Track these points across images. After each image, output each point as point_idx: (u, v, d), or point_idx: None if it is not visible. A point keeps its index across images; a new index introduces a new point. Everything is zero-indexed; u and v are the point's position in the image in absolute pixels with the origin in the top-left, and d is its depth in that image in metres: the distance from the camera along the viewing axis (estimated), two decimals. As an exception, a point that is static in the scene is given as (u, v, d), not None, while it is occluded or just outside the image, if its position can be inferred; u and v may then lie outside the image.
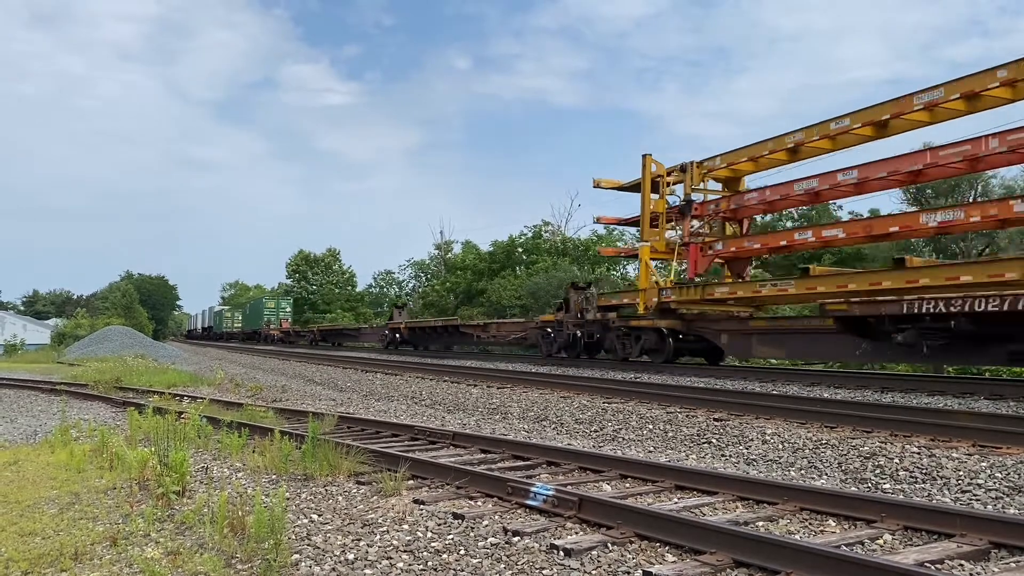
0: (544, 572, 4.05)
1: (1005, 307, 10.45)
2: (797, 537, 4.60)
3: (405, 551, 4.43)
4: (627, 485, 6.18)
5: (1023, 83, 11.81)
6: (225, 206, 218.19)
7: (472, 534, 4.72)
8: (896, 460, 6.69)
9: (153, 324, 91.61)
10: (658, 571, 3.92)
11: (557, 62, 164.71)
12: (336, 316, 60.42)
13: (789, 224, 40.26)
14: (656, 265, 17.65)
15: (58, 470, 7.54)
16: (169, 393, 15.17)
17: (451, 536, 4.69)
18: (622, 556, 4.26)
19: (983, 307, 10.70)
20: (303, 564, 4.25)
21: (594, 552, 4.30)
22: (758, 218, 21.44)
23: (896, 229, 13.52)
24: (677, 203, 17.33)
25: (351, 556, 4.36)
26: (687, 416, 9.44)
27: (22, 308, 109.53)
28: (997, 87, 11.97)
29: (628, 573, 4.01)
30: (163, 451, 6.47)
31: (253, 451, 7.54)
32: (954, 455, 6.63)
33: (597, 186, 19.04)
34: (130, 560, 4.55)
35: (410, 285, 67.44)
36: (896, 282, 12.29)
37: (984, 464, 6.28)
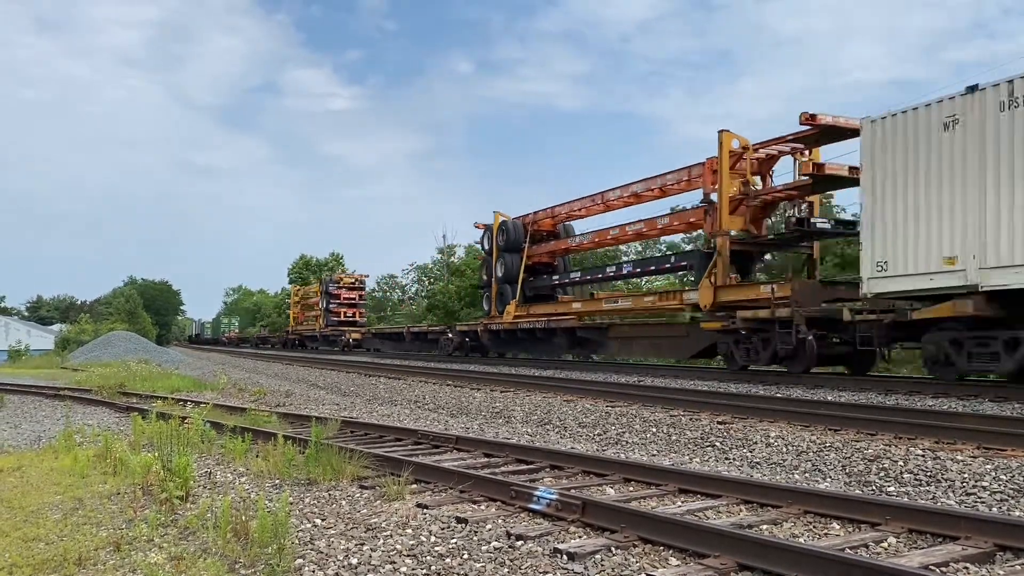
0: (547, 576, 4.04)
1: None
2: (801, 540, 4.59)
3: (408, 555, 4.43)
4: (630, 489, 6.16)
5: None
6: (228, 211, 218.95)
7: (475, 538, 4.72)
8: (900, 463, 6.67)
9: (157, 329, 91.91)
10: (661, 575, 3.91)
11: (560, 66, 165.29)
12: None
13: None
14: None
15: (62, 475, 7.55)
16: (172, 398, 15.20)
17: (454, 540, 4.68)
18: (626, 560, 4.26)
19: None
20: (306, 569, 4.25)
21: (597, 556, 4.29)
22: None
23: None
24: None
25: (354, 561, 4.36)
26: (691, 419, 9.43)
27: (26, 314, 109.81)
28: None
29: (632, 577, 4.00)
30: (167, 456, 6.48)
31: (256, 456, 7.54)
32: (959, 458, 6.61)
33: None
34: (134, 565, 4.55)
35: (412, 289, 68.19)
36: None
37: (989, 466, 6.26)
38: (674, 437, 8.76)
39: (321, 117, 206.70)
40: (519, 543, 4.58)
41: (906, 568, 3.58)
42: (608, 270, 24.56)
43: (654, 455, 8.13)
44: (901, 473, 6.46)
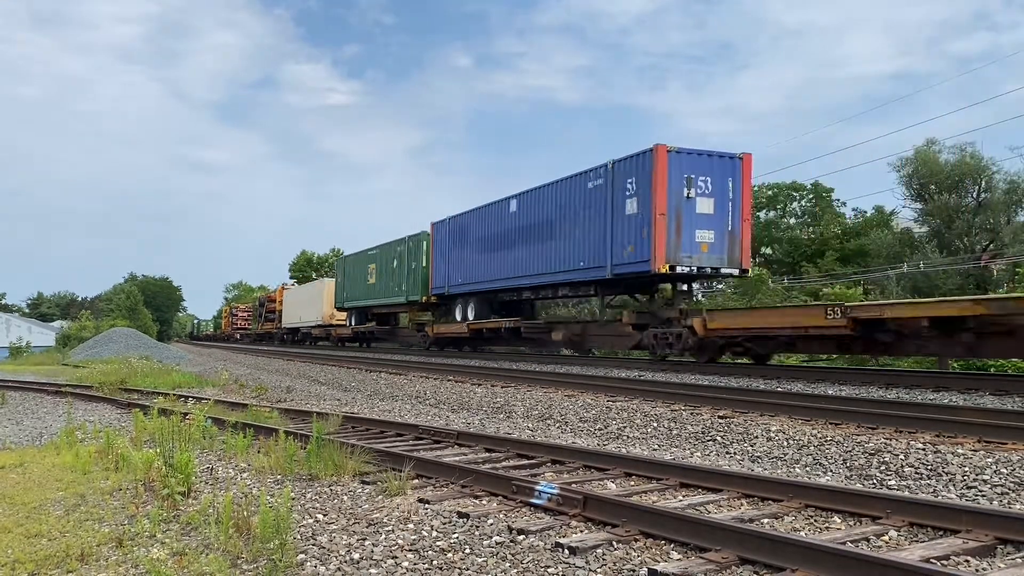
0: (549, 571, 4.05)
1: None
2: (802, 534, 4.59)
3: (410, 550, 4.44)
4: (632, 483, 6.17)
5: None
6: (228, 207, 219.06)
7: (477, 533, 4.73)
8: (901, 456, 6.68)
9: (158, 326, 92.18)
10: (663, 569, 3.92)
11: (560, 60, 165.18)
12: None
13: (793, 220, 42.38)
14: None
15: (64, 472, 7.57)
16: (174, 394, 15.20)
17: (456, 535, 4.69)
18: (627, 554, 4.26)
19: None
20: (308, 564, 4.26)
21: (599, 550, 4.30)
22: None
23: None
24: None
25: (356, 555, 4.37)
26: (692, 414, 9.43)
27: (27, 311, 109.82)
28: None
29: (633, 571, 4.01)
30: (168, 452, 6.49)
31: (258, 452, 7.56)
32: (959, 451, 6.61)
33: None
34: (136, 561, 4.56)
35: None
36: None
37: (989, 460, 6.26)
38: (675, 431, 8.76)
39: (320, 112, 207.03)
40: (520, 538, 4.59)
41: (907, 562, 3.59)
42: (267, 316, 55.58)
43: (655, 449, 8.13)
44: (902, 467, 6.47)
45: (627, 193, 16.16)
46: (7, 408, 15.54)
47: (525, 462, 7.06)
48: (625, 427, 9.34)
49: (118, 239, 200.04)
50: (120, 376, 19.94)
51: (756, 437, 7.98)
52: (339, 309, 35.81)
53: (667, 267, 15.31)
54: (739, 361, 16.03)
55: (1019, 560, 4.03)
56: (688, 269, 15.60)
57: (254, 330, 60.29)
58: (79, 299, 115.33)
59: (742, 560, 4.02)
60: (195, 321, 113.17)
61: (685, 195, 15.47)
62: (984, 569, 3.94)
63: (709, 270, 15.85)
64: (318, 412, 10.52)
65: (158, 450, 6.80)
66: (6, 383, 20.39)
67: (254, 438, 8.19)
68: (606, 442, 8.77)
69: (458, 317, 24.74)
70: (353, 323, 34.14)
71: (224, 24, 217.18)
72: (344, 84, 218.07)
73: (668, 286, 17.71)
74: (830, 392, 10.82)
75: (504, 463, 7.08)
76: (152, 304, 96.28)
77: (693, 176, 15.55)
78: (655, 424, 9.19)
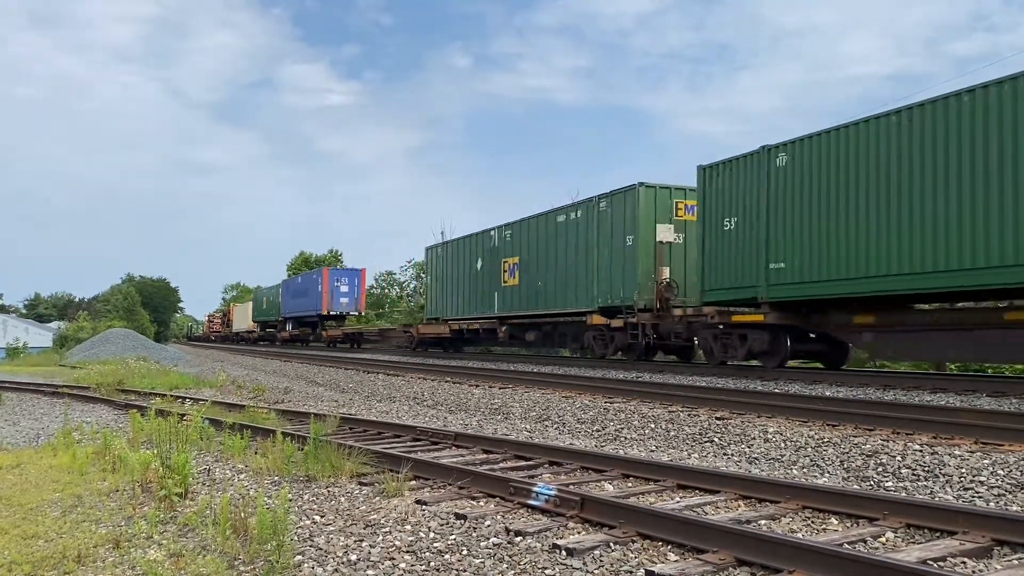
0: (547, 572, 4.05)
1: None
2: (799, 535, 4.60)
3: (407, 552, 4.44)
4: (629, 484, 6.18)
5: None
6: (226, 208, 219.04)
7: (474, 534, 4.73)
8: (898, 458, 6.69)
9: (155, 327, 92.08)
10: (660, 570, 3.92)
11: (559, 60, 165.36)
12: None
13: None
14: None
15: (61, 473, 7.56)
16: (171, 395, 15.19)
17: (453, 536, 4.69)
18: (624, 555, 4.27)
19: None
20: (306, 565, 4.26)
21: (596, 551, 4.30)
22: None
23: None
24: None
25: (354, 557, 4.37)
26: (689, 415, 9.44)
27: (24, 311, 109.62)
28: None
29: (631, 572, 4.02)
30: (166, 453, 6.48)
31: (255, 453, 7.55)
32: (956, 452, 6.63)
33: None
34: (133, 563, 4.56)
35: (411, 286, 68.59)
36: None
37: (986, 461, 6.27)
38: (672, 433, 8.77)
39: (318, 113, 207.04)
40: (518, 539, 4.59)
41: (904, 563, 3.59)
42: (227, 324, 71.40)
43: (653, 451, 8.14)
44: (899, 468, 6.48)
45: (319, 282, 40.33)
46: (4, 409, 15.52)
47: (523, 463, 7.06)
48: (623, 428, 9.34)
49: (116, 240, 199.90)
50: (117, 377, 19.90)
51: (753, 438, 7.99)
52: (254, 321, 58.06)
53: (328, 311, 39.54)
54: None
55: (1016, 561, 4.04)
56: (335, 312, 39.82)
57: (222, 333, 77.08)
58: (76, 300, 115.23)
59: (739, 561, 4.02)
60: (190, 324, 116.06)
61: (336, 284, 39.96)
62: (981, 571, 3.95)
63: (345, 313, 40.23)
64: (315, 413, 10.51)
65: (155, 451, 6.79)
66: (3, 384, 20.36)
67: (252, 439, 8.19)
68: (604, 443, 8.77)
69: (287, 329, 47.56)
70: (259, 330, 57.30)
71: (222, 24, 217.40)
72: (342, 85, 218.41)
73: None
74: (827, 394, 10.84)
75: (502, 464, 7.08)
76: (150, 305, 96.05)
77: (341, 277, 40.61)
78: (652, 425, 9.20)
